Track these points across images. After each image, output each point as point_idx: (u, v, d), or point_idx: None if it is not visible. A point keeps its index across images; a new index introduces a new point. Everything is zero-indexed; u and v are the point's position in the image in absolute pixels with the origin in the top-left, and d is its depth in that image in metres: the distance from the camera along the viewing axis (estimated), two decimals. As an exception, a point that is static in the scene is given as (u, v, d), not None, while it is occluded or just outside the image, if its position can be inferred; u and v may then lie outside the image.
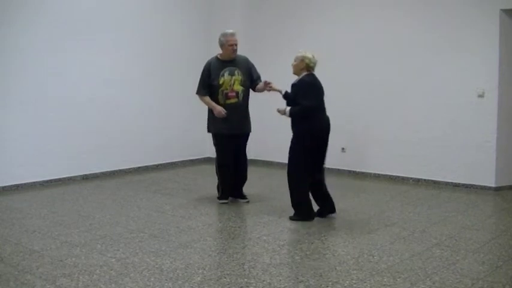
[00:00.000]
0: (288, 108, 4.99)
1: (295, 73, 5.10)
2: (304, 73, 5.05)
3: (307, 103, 4.88)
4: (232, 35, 5.50)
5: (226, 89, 5.48)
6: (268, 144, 8.43)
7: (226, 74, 5.49)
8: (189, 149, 8.47)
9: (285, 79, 8.32)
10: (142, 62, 7.80)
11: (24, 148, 6.53)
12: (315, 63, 5.09)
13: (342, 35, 7.55)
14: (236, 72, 5.50)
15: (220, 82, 5.49)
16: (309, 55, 5.06)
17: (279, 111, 5.07)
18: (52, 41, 6.71)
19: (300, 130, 4.97)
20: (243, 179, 5.79)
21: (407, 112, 6.98)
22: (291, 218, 5.04)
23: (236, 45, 5.49)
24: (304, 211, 5.02)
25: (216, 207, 5.60)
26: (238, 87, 5.47)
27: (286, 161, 8.03)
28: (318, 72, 7.78)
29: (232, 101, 5.47)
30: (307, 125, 4.93)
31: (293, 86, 5.06)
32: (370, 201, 5.90)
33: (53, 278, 3.54)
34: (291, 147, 5.03)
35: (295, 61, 5.08)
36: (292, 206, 5.08)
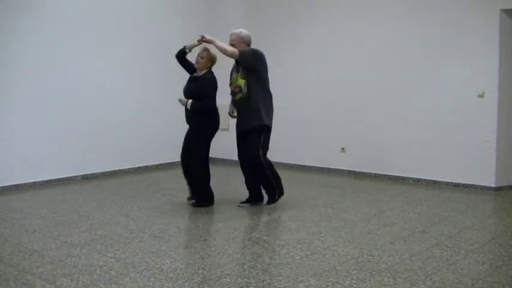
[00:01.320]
0: (190, 101, 5.32)
1: (201, 69, 5.47)
2: (206, 70, 5.47)
3: (210, 102, 5.37)
4: (230, 34, 5.49)
5: (232, 86, 5.48)
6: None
7: (234, 73, 5.50)
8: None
9: (285, 79, 8.35)
10: (142, 62, 7.81)
11: (24, 148, 6.53)
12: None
13: (342, 35, 7.57)
14: (239, 68, 5.48)
15: (230, 82, 5.52)
16: (216, 56, 5.48)
17: (180, 101, 5.41)
18: (53, 42, 6.72)
19: (202, 124, 5.40)
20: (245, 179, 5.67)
21: (407, 112, 6.99)
22: (194, 205, 5.53)
23: (233, 44, 5.41)
24: (206, 196, 5.56)
25: (216, 207, 5.60)
26: (240, 82, 5.39)
27: (284, 160, 8.12)
28: (317, 72, 7.84)
29: (238, 96, 5.43)
30: (209, 120, 5.41)
31: (197, 79, 5.44)
32: (370, 201, 5.90)
33: (53, 278, 3.53)
34: (194, 140, 5.43)
35: (202, 58, 5.43)
36: (198, 192, 5.54)
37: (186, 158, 5.62)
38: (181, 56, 5.58)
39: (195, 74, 5.55)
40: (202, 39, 5.37)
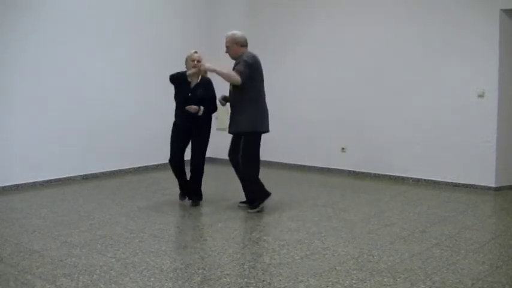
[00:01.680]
0: (202, 108, 5.49)
1: (197, 75, 5.56)
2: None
3: (216, 103, 5.60)
4: (225, 37, 5.41)
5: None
6: (267, 144, 8.42)
7: None
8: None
9: (285, 79, 8.34)
10: (142, 62, 7.81)
11: (24, 148, 6.53)
12: None
13: (342, 35, 7.56)
14: None
15: None
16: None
17: (191, 109, 5.46)
18: (53, 42, 6.74)
19: (208, 125, 5.67)
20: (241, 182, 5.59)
21: (408, 112, 6.98)
22: (195, 204, 5.65)
23: (227, 47, 5.38)
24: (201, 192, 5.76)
25: (216, 207, 5.60)
26: (230, 86, 5.44)
27: (284, 160, 8.12)
28: (317, 72, 7.85)
29: (229, 98, 5.46)
30: (209, 118, 5.70)
31: (200, 85, 5.57)
32: (370, 201, 5.90)
33: (53, 278, 3.54)
34: (204, 140, 5.63)
35: (199, 63, 5.51)
36: (198, 191, 5.69)
37: (180, 158, 5.74)
38: (178, 79, 5.63)
39: (195, 82, 5.59)
40: (204, 69, 5.39)
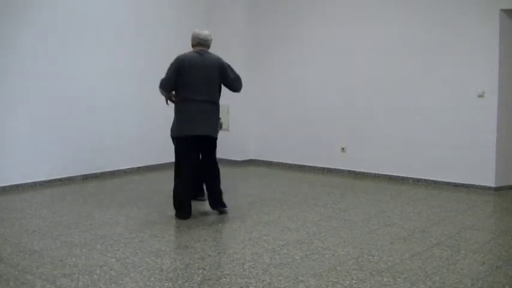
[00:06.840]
0: None
1: None
2: None
3: None
4: None
5: None
6: (268, 144, 8.44)
7: None
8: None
9: (285, 79, 8.34)
10: (142, 62, 7.81)
11: (24, 148, 6.53)
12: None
13: (342, 35, 7.56)
14: None
15: None
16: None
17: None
18: (53, 42, 6.73)
19: None
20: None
21: (408, 112, 6.99)
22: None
23: None
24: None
25: (216, 207, 5.60)
26: None
27: (284, 160, 8.12)
28: (318, 73, 7.84)
29: None
30: None
31: None
32: (370, 201, 5.90)
33: (53, 278, 3.54)
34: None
35: None
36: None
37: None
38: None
39: None
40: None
